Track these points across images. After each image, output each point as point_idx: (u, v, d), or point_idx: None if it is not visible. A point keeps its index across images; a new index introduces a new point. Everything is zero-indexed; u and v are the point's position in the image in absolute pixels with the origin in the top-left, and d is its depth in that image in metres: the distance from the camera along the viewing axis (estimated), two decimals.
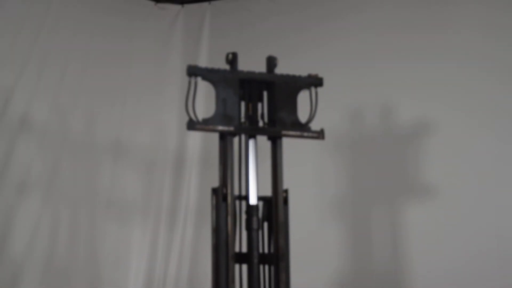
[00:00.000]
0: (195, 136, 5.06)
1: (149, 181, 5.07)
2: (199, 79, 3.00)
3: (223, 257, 2.91)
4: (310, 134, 3.07)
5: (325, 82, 3.11)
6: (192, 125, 2.95)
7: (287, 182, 3.05)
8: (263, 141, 3.12)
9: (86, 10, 4.97)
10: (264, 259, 3.03)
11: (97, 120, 4.88)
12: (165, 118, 5.20)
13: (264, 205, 3.13)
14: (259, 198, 3.09)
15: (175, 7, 5.51)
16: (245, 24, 5.18)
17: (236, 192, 3.04)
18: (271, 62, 3.14)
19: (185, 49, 5.28)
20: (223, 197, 2.95)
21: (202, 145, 5.13)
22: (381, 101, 4.50)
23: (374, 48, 4.64)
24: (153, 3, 5.45)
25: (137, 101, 5.13)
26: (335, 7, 4.93)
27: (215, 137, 3.04)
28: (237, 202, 3.07)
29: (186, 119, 2.93)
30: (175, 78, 5.08)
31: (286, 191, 3.08)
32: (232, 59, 3.10)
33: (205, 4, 5.50)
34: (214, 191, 3.01)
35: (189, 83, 2.97)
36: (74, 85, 4.81)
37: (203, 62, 4.79)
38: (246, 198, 3.08)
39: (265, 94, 3.14)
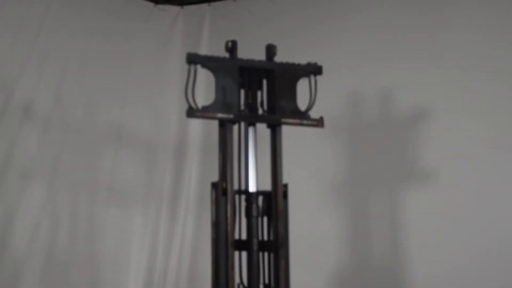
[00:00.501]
0: (196, 126, 5.12)
1: (151, 170, 5.15)
2: (198, 66, 3.00)
3: (222, 245, 2.90)
4: (309, 122, 3.06)
5: (324, 69, 3.11)
6: (191, 112, 2.94)
7: (286, 169, 3.04)
8: (263, 133, 3.11)
9: (86, 10, 4.97)
10: (263, 246, 3.02)
11: (99, 112, 4.95)
12: (166, 108, 5.26)
13: (263, 200, 3.11)
14: (259, 193, 3.08)
15: (174, 8, 5.53)
16: (245, 25, 5.18)
17: (236, 181, 3.03)
18: (271, 50, 3.15)
19: (185, 50, 5.25)
20: (223, 192, 2.93)
21: (203, 134, 5.18)
22: (381, 87, 4.50)
23: (374, 43, 4.67)
24: (152, 4, 5.47)
25: (138, 95, 5.19)
26: (334, 7, 4.94)
27: (216, 125, 3.04)
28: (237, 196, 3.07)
29: (187, 111, 2.93)
30: (175, 78, 5.10)
31: (285, 185, 3.06)
32: (232, 47, 3.10)
33: (205, 5, 5.52)
34: (214, 185, 2.99)
35: (189, 70, 2.97)
36: (75, 82, 4.84)
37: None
38: (246, 192, 3.07)
39: (264, 82, 3.14)
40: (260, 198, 3.08)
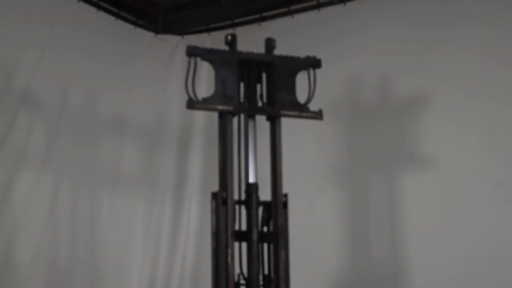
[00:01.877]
0: (199, 118, 5.27)
1: (155, 160, 5.29)
2: (198, 59, 3.03)
3: (223, 253, 2.88)
4: (308, 114, 3.08)
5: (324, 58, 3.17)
6: (191, 104, 2.97)
7: (286, 161, 3.04)
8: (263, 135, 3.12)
9: (90, 33, 5.02)
10: (263, 237, 2.99)
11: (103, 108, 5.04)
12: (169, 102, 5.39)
13: (264, 210, 3.10)
14: (259, 203, 3.07)
15: (174, 38, 5.63)
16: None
17: (236, 175, 3.04)
18: (270, 43, 3.19)
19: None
20: (223, 202, 2.94)
21: (207, 124, 5.28)
22: (380, 73, 4.52)
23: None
24: (153, 34, 5.56)
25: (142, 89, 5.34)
26: (324, 34, 4.98)
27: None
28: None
29: (187, 102, 2.96)
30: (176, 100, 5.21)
31: (286, 195, 3.05)
32: (231, 41, 3.15)
33: (205, 34, 5.62)
34: (214, 195, 2.99)
35: (189, 63, 3.00)
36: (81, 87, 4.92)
37: (203, 85, 4.81)
38: (246, 202, 3.07)
39: (264, 75, 3.17)
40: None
